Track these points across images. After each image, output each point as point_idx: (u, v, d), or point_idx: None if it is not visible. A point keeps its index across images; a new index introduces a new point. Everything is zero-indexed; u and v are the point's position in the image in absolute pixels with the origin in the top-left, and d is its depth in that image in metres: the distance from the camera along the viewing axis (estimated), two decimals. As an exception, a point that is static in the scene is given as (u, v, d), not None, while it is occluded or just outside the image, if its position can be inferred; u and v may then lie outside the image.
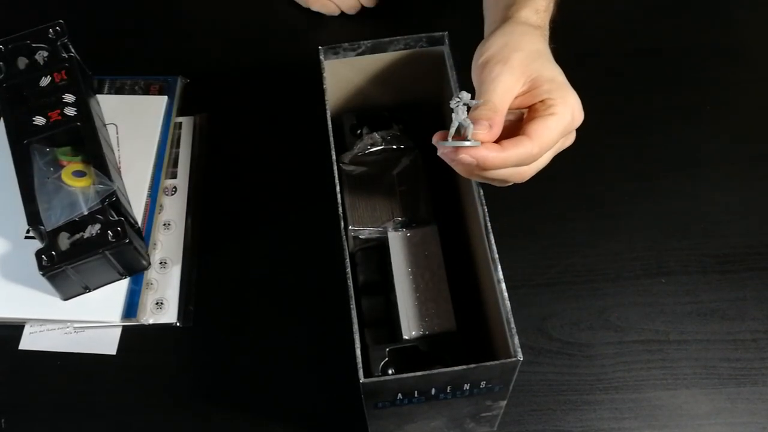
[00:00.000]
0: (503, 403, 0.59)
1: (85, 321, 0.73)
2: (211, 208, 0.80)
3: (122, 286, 0.74)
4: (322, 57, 0.69)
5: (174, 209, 0.79)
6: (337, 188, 0.62)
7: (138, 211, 0.78)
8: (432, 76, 0.72)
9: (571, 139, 0.59)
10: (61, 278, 0.70)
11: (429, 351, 0.60)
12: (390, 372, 0.60)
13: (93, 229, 0.71)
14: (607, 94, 0.85)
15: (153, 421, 0.68)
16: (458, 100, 0.53)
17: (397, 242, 0.65)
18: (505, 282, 0.56)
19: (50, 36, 0.81)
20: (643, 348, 0.70)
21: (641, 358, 0.70)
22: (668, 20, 0.92)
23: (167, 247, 0.77)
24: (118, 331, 0.73)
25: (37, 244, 0.72)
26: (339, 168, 0.67)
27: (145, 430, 0.68)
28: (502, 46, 0.58)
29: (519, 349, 0.52)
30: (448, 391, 0.54)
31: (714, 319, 0.71)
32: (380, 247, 0.67)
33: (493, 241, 0.57)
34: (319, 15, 0.93)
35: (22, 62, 0.80)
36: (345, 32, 0.92)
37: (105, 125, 0.83)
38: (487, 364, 0.52)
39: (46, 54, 0.80)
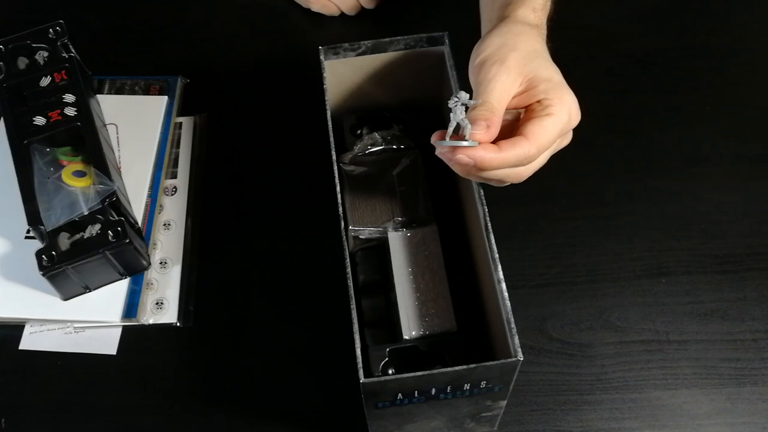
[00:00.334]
0: (503, 403, 0.59)
1: (85, 321, 0.73)
2: (211, 208, 0.80)
3: (122, 286, 0.74)
4: (322, 57, 0.69)
5: (174, 209, 0.79)
6: (337, 188, 0.62)
7: (138, 211, 0.78)
8: (432, 76, 0.72)
9: (568, 138, 0.59)
10: (61, 278, 0.70)
11: (429, 351, 0.60)
12: (390, 372, 0.60)
13: (93, 229, 0.71)
14: (606, 94, 0.85)
15: (153, 421, 0.68)
16: (456, 99, 0.53)
17: (397, 242, 0.65)
18: (505, 282, 0.56)
19: (50, 36, 0.81)
20: (643, 348, 0.70)
21: (641, 358, 0.70)
22: (668, 20, 0.92)
23: (167, 247, 0.77)
24: (118, 331, 0.73)
25: (37, 244, 0.72)
26: (339, 168, 0.67)
27: (145, 430, 0.68)
28: (499, 46, 0.58)
29: (519, 349, 0.52)
30: (448, 391, 0.54)
31: (714, 319, 0.71)
32: (380, 247, 0.67)
33: (493, 241, 0.57)
34: (319, 15, 0.93)
35: (22, 62, 0.80)
36: (345, 32, 0.92)
37: (105, 125, 0.83)
38: (487, 364, 0.52)
39: (46, 54, 0.80)
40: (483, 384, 0.54)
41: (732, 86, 0.87)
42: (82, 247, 0.70)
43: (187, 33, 0.95)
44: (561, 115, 0.56)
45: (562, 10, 0.67)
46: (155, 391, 0.70)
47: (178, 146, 0.84)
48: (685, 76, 0.87)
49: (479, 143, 0.53)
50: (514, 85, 0.57)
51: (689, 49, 0.89)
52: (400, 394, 0.54)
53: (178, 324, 0.73)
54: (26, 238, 0.76)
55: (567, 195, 0.79)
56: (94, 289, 0.73)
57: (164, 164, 0.81)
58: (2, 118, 0.80)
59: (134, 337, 0.73)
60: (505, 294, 0.55)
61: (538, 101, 0.56)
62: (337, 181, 0.62)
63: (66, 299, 0.73)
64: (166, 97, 0.85)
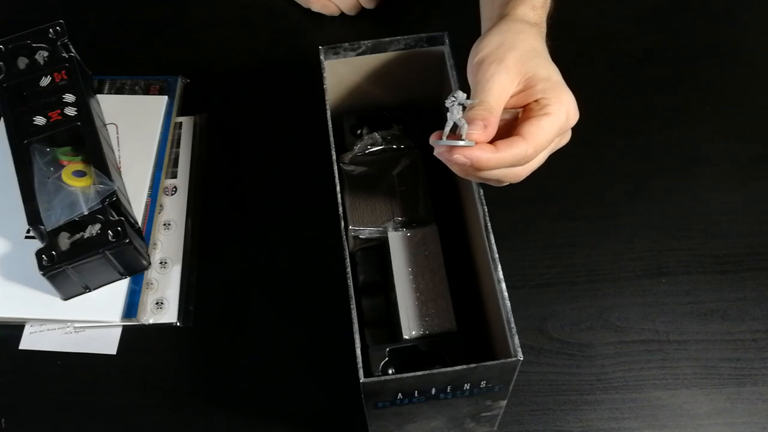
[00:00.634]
0: (503, 402, 0.59)
1: (85, 321, 0.73)
2: (212, 207, 0.80)
3: (122, 286, 0.74)
4: (322, 57, 0.69)
5: (174, 209, 0.79)
6: (337, 188, 0.62)
7: (138, 211, 0.78)
8: (432, 76, 0.72)
9: (566, 138, 0.59)
10: (61, 278, 0.70)
11: (429, 351, 0.60)
12: (390, 372, 0.60)
13: (93, 229, 0.71)
14: (606, 94, 0.85)
15: (153, 421, 0.68)
16: (453, 99, 0.53)
17: (397, 242, 0.65)
18: (505, 282, 0.56)
19: (50, 36, 0.81)
20: (643, 348, 0.70)
21: (641, 358, 0.70)
22: (668, 20, 0.92)
23: (167, 247, 0.77)
24: (118, 331, 0.73)
25: (37, 244, 0.72)
26: (339, 168, 0.67)
27: (145, 430, 0.68)
28: (498, 45, 0.58)
29: (519, 349, 0.52)
30: (448, 390, 0.54)
31: (714, 319, 0.71)
32: (380, 247, 0.67)
33: (493, 241, 0.57)
34: (319, 15, 0.93)
35: (22, 62, 0.80)
36: (345, 32, 0.92)
37: (105, 125, 0.83)
38: (487, 364, 0.52)
39: (46, 54, 0.80)
40: (483, 384, 0.54)
41: (732, 86, 0.87)
42: (82, 247, 0.70)
43: (187, 33, 0.95)
44: (559, 115, 0.55)
45: (562, 9, 0.67)
46: (155, 391, 0.70)
47: (178, 146, 0.84)
48: (685, 76, 0.87)
49: (476, 143, 0.53)
50: (512, 84, 0.56)
51: (689, 49, 0.89)
52: (400, 394, 0.54)
53: (178, 324, 0.73)
54: (26, 238, 0.76)
55: (567, 195, 0.79)
56: (94, 289, 0.73)
57: (164, 164, 0.81)
58: (2, 118, 0.80)
59: (134, 337, 0.73)
60: (505, 294, 0.55)
61: (536, 100, 0.56)
62: (337, 181, 0.62)
63: (66, 299, 0.73)
64: (166, 97, 0.86)
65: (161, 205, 0.79)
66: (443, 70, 0.70)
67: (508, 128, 0.56)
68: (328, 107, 0.66)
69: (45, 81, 0.79)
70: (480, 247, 0.62)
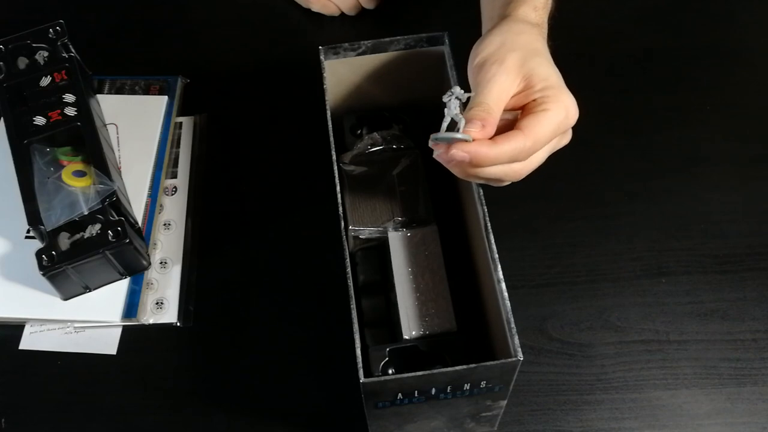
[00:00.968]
0: (503, 402, 0.59)
1: (86, 321, 0.73)
2: (212, 207, 0.80)
3: (122, 286, 0.74)
4: (322, 57, 0.69)
5: (174, 209, 0.79)
6: (337, 188, 0.62)
7: (138, 211, 0.78)
8: (432, 76, 0.72)
9: (567, 138, 0.59)
10: (62, 278, 0.70)
11: (429, 351, 0.60)
12: (390, 372, 0.60)
13: (93, 229, 0.71)
14: (606, 94, 0.85)
15: (153, 421, 0.68)
16: (451, 93, 0.53)
17: (397, 242, 0.65)
18: (505, 282, 0.56)
19: (50, 36, 0.81)
20: (643, 348, 0.70)
21: (641, 358, 0.70)
22: (668, 20, 0.92)
23: (167, 247, 0.77)
24: (118, 331, 0.73)
25: (37, 244, 0.72)
26: (339, 168, 0.67)
27: (145, 430, 0.68)
28: (499, 46, 0.58)
29: (519, 349, 0.52)
30: (448, 391, 0.54)
31: (714, 319, 0.71)
32: (380, 247, 0.67)
33: (493, 241, 0.57)
34: (319, 15, 0.93)
35: (22, 62, 0.80)
36: (345, 32, 0.92)
37: (105, 125, 0.83)
38: (487, 364, 0.52)
39: (46, 54, 0.80)
40: (483, 384, 0.54)
41: (732, 86, 0.87)
42: (82, 247, 0.70)
43: (187, 33, 0.95)
44: (557, 111, 0.55)
45: (562, 9, 0.67)
46: (155, 391, 0.70)
47: (178, 146, 0.84)
48: (685, 76, 0.87)
49: (474, 139, 0.53)
50: (512, 85, 0.56)
51: (689, 49, 0.89)
52: (400, 394, 0.54)
53: (178, 324, 0.73)
54: (26, 238, 0.76)
55: (567, 195, 0.79)
56: (94, 289, 0.73)
57: (164, 164, 0.81)
58: (2, 118, 0.80)
59: (134, 337, 0.73)
60: (505, 294, 0.55)
61: (534, 100, 0.56)
62: (337, 181, 0.62)
63: (66, 299, 0.73)
64: (166, 97, 0.86)
65: (161, 205, 0.79)
66: (443, 70, 0.70)
67: (507, 128, 0.56)
68: (328, 107, 0.66)
69: (45, 81, 0.79)
70: (480, 247, 0.62)
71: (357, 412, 0.60)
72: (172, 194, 0.80)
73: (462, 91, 0.54)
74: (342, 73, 0.71)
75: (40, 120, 0.76)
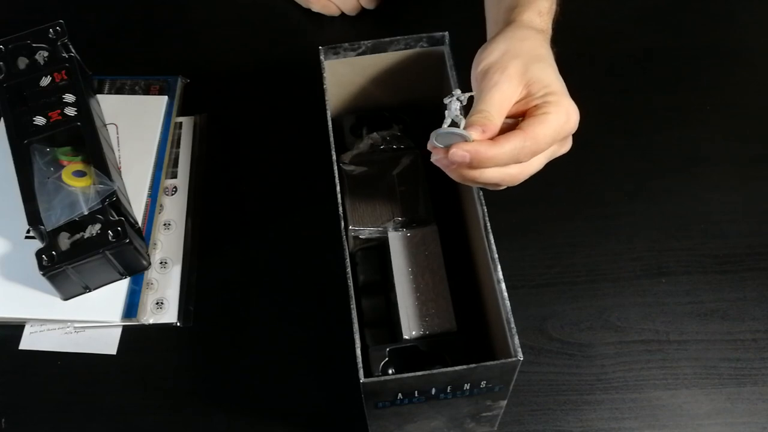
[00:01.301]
0: (503, 402, 0.59)
1: (86, 321, 0.73)
2: (212, 207, 0.80)
3: (122, 286, 0.74)
4: (322, 57, 0.69)
5: (174, 209, 0.79)
6: (337, 188, 0.62)
7: (138, 211, 0.78)
8: (432, 76, 0.72)
9: (566, 146, 0.59)
10: (62, 278, 0.70)
11: (429, 351, 0.60)
12: (390, 372, 0.60)
13: (93, 229, 0.71)
14: (606, 94, 0.85)
15: (153, 421, 0.68)
16: (452, 95, 0.54)
17: (397, 242, 0.65)
18: (505, 282, 0.56)
19: (50, 36, 0.81)
20: (643, 348, 0.70)
21: (641, 358, 0.70)
22: (668, 20, 0.92)
23: (167, 247, 0.77)
24: (118, 331, 0.73)
25: (37, 244, 0.72)
26: (339, 168, 0.67)
27: (145, 430, 0.68)
28: (503, 53, 0.58)
29: (519, 349, 0.52)
30: (448, 391, 0.54)
31: (714, 319, 0.71)
32: (380, 247, 0.67)
33: (493, 241, 0.57)
34: (319, 15, 0.93)
35: (22, 62, 0.80)
36: (345, 32, 0.92)
37: (105, 125, 0.83)
38: (487, 364, 0.52)
39: (46, 54, 0.80)
40: (483, 384, 0.54)
41: (732, 86, 0.87)
42: (82, 247, 0.70)
43: (187, 33, 0.95)
44: (558, 115, 0.55)
45: (563, 9, 0.67)
46: (155, 391, 0.70)
47: (178, 146, 0.84)
48: (685, 76, 0.87)
49: (474, 139, 0.53)
50: (515, 93, 0.57)
51: (689, 49, 0.89)
52: (400, 394, 0.54)
53: (178, 324, 0.73)
54: (26, 238, 0.76)
55: (567, 195, 0.79)
56: (94, 289, 0.73)
57: (164, 164, 0.81)
58: (2, 118, 0.80)
59: (134, 337, 0.73)
60: (505, 294, 0.55)
61: (535, 105, 0.56)
62: (337, 181, 0.62)
63: (66, 299, 0.73)
64: (166, 97, 0.86)
65: (161, 205, 0.79)
66: (443, 70, 0.70)
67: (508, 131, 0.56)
68: (328, 107, 0.66)
69: (45, 81, 0.79)
70: (480, 247, 0.62)
71: (357, 412, 0.60)
72: (172, 194, 0.80)
73: (462, 93, 0.54)
74: (342, 73, 0.71)
75: (40, 120, 0.76)
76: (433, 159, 0.55)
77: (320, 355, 0.70)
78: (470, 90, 0.58)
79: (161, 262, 0.76)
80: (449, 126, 0.54)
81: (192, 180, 0.81)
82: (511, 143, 0.54)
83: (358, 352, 0.53)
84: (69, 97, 0.77)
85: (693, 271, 0.74)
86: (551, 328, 0.71)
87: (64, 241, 0.70)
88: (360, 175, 0.70)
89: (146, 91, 0.86)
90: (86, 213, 0.71)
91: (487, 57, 0.58)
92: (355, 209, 0.68)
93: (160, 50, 0.93)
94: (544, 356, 0.70)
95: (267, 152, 0.84)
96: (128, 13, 0.97)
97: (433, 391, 0.54)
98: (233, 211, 0.80)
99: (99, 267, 0.71)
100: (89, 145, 0.75)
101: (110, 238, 0.70)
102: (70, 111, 0.77)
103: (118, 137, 0.82)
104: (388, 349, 0.60)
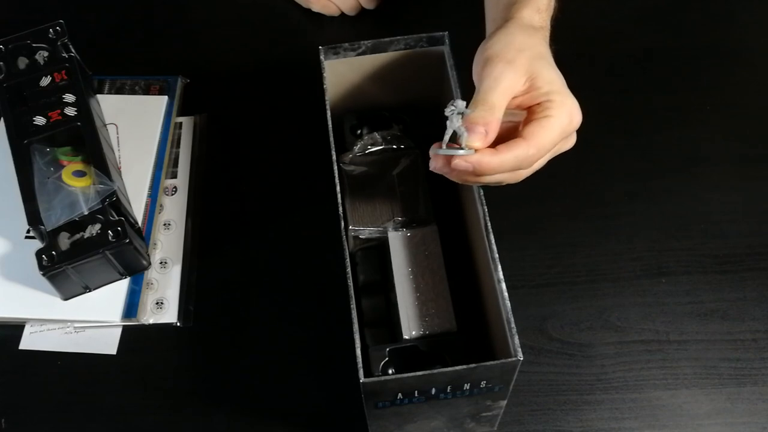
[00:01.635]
0: (503, 402, 0.59)
1: (86, 321, 0.73)
2: (212, 207, 0.80)
3: (122, 286, 0.74)
4: (322, 57, 0.69)
5: (174, 209, 0.79)
6: (337, 188, 0.62)
7: (138, 211, 0.78)
8: (432, 76, 0.72)
9: (570, 142, 0.59)
10: (62, 278, 0.70)
11: (429, 351, 0.60)
12: (390, 372, 0.60)
13: (93, 229, 0.71)
14: (606, 94, 0.85)
15: (153, 421, 0.68)
16: (453, 108, 0.53)
17: (397, 242, 0.65)
18: (505, 282, 0.56)
19: (50, 36, 0.81)
20: (643, 348, 0.70)
21: (641, 358, 0.70)
22: (668, 20, 0.92)
23: (167, 247, 0.77)
24: (118, 331, 0.73)
25: (37, 244, 0.72)
26: (339, 168, 0.67)
27: (145, 430, 0.68)
28: (505, 45, 0.58)
29: (519, 349, 0.52)
30: (448, 390, 0.54)
31: (714, 319, 0.71)
32: (380, 247, 0.67)
33: (493, 241, 0.57)
34: (319, 15, 0.93)
35: (22, 62, 0.80)
36: (345, 32, 0.92)
37: (105, 125, 0.83)
38: (487, 364, 0.52)
39: (46, 54, 0.80)
40: (483, 384, 0.54)
41: (732, 86, 0.87)
42: (82, 247, 0.70)
43: (187, 33, 0.95)
44: (561, 118, 0.55)
45: (562, 9, 0.67)
46: (155, 391, 0.70)
47: (178, 146, 0.84)
48: (685, 76, 0.87)
49: (476, 150, 0.53)
50: (518, 84, 0.56)
51: (689, 49, 0.89)
52: (400, 394, 0.54)
53: (178, 324, 0.73)
54: (26, 238, 0.76)
55: (567, 195, 0.79)
56: (94, 289, 0.73)
57: (164, 164, 0.81)
58: (2, 118, 0.80)
59: (134, 337, 0.73)
60: (505, 294, 0.55)
61: (538, 104, 0.56)
62: (337, 181, 0.62)
63: (66, 299, 0.73)
64: (166, 97, 0.86)
65: (161, 205, 0.79)
66: (443, 70, 0.70)
67: (511, 132, 0.56)
68: (328, 107, 0.66)
69: (45, 81, 0.79)
70: (480, 247, 0.62)
71: (357, 412, 0.60)
72: (172, 194, 0.80)
73: (464, 104, 0.54)
74: (342, 73, 0.71)
75: (40, 120, 0.76)
76: (432, 167, 0.55)
77: (320, 355, 0.70)
78: (470, 91, 0.57)
79: (161, 262, 0.76)
80: (450, 137, 0.54)
81: (192, 180, 0.81)
82: (514, 152, 0.54)
83: (358, 352, 0.53)
84: (69, 97, 0.77)
85: (693, 271, 0.74)
86: (551, 328, 0.71)
87: (64, 241, 0.70)
88: (360, 175, 0.70)
89: (146, 91, 0.86)
90: (86, 213, 0.71)
91: (490, 48, 0.58)
92: (355, 209, 0.68)
93: (160, 50, 0.93)
94: (544, 356, 0.70)
95: (267, 152, 0.84)
96: (128, 13, 0.97)
97: (433, 391, 0.54)
98: (233, 211, 0.80)
99: (99, 267, 0.71)
100: (89, 145, 0.75)
101: (110, 238, 0.70)
102: (70, 111, 0.77)
103: (118, 137, 0.82)
104: (388, 349, 0.60)
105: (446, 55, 0.69)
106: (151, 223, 0.78)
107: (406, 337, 0.61)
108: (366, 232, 0.67)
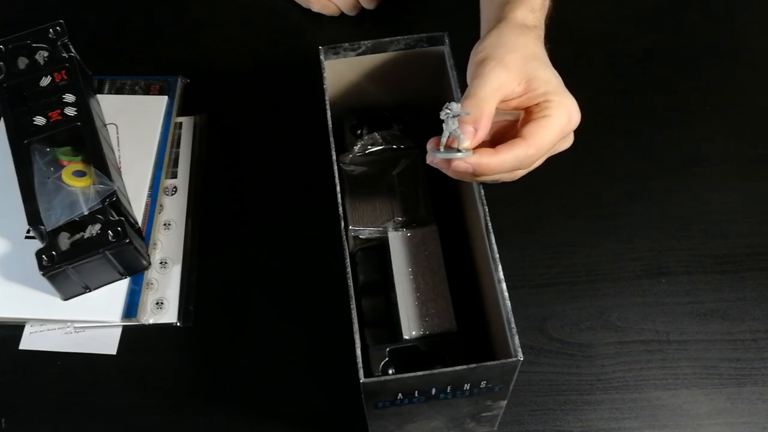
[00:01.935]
0: (503, 403, 0.59)
1: (86, 321, 0.73)
2: (212, 207, 0.80)
3: (122, 286, 0.74)
4: (322, 57, 0.69)
5: (174, 209, 0.79)
6: (337, 188, 0.62)
7: (138, 211, 0.78)
8: (432, 76, 0.72)
9: (568, 142, 0.59)
10: (62, 278, 0.70)
11: (429, 351, 0.60)
12: (390, 372, 0.60)
13: (93, 229, 0.71)
14: (606, 94, 0.85)
15: (153, 421, 0.68)
16: (448, 111, 0.53)
17: (397, 242, 0.65)
18: (505, 282, 0.56)
19: (50, 36, 0.81)
20: (643, 348, 0.70)
21: (641, 358, 0.70)
22: (668, 20, 0.92)
23: (167, 247, 0.77)
24: (118, 331, 0.73)
25: (37, 244, 0.72)
26: (339, 168, 0.67)
27: (145, 430, 0.68)
28: (498, 46, 0.58)
29: (519, 349, 0.52)
30: (448, 391, 0.54)
31: (714, 319, 0.71)
32: (380, 247, 0.67)
33: (493, 241, 0.57)
34: (319, 15, 0.93)
35: (22, 62, 0.80)
36: (345, 32, 0.92)
37: (105, 125, 0.83)
38: (488, 364, 0.52)
39: (46, 54, 0.80)
40: (483, 384, 0.54)
41: (732, 86, 0.87)
42: (82, 247, 0.70)
43: (187, 33, 0.95)
44: (560, 117, 0.55)
45: (560, 9, 0.67)
46: (155, 391, 0.70)
47: (178, 146, 0.84)
48: (685, 76, 0.87)
49: (473, 152, 0.53)
50: (511, 83, 0.56)
51: (689, 49, 0.89)
52: (400, 394, 0.54)
53: (178, 324, 0.73)
54: (26, 238, 0.76)
55: (567, 195, 0.79)
56: (94, 289, 0.73)
57: (164, 164, 0.81)
58: (2, 118, 0.80)
59: (134, 337, 0.73)
60: (505, 294, 0.55)
61: (537, 104, 0.56)
62: (337, 181, 0.62)
63: (66, 299, 0.73)
64: (166, 97, 0.85)
65: (161, 205, 0.79)
66: (443, 70, 0.70)
67: (509, 131, 0.56)
68: (328, 107, 0.66)
69: (45, 81, 0.79)
70: (480, 247, 0.62)
71: (357, 412, 0.60)
72: (172, 194, 0.80)
73: (458, 107, 0.54)
74: (342, 73, 0.71)
75: (40, 120, 0.76)
76: (430, 161, 0.55)
77: (320, 355, 0.70)
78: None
79: (161, 262, 0.76)
80: (447, 139, 0.54)
81: (192, 180, 0.81)
82: (513, 153, 0.54)
83: (358, 352, 0.53)
84: (69, 97, 0.77)
85: (693, 271, 0.74)
86: (551, 328, 0.71)
87: (64, 241, 0.70)
88: (360, 175, 0.70)
89: (146, 91, 0.86)
90: (86, 213, 0.71)
91: (484, 49, 0.58)
92: (355, 209, 0.68)
93: (160, 50, 0.93)
94: (544, 356, 0.70)
95: (267, 152, 0.84)
96: (128, 13, 0.97)
97: (433, 391, 0.54)
98: (233, 211, 0.80)
99: (99, 267, 0.71)
100: (89, 145, 0.75)
101: (110, 238, 0.70)
102: (70, 111, 0.77)
103: (118, 137, 0.82)
104: (388, 349, 0.60)
105: (446, 55, 0.69)
106: (151, 223, 0.78)
107: (406, 337, 0.61)
108: (366, 232, 0.67)
